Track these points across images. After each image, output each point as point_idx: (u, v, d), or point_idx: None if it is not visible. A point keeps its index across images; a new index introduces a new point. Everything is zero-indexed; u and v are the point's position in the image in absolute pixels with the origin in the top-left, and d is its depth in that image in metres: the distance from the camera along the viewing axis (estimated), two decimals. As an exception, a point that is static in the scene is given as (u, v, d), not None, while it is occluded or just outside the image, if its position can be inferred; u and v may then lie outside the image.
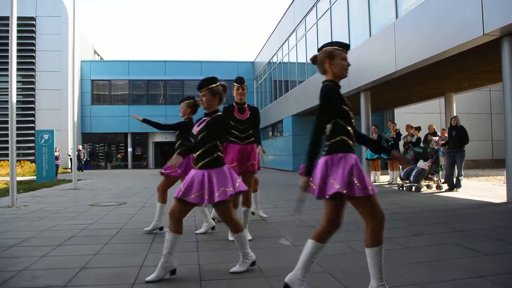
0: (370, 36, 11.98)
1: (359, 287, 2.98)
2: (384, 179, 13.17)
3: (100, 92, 30.43)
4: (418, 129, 11.76)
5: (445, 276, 3.18)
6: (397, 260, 3.64)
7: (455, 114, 12.64)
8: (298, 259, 2.73)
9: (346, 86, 13.32)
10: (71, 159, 20.33)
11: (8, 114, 8.51)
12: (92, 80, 30.40)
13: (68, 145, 25.88)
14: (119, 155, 32.59)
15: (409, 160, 4.77)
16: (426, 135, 11.93)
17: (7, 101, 8.67)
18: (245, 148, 4.57)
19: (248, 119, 4.62)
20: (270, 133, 26.54)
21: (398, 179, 11.10)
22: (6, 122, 10.04)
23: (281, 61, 22.53)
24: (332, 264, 3.56)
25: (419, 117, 19.71)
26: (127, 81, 30.86)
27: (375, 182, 12.48)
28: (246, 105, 4.70)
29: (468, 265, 3.48)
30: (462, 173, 9.75)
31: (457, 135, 9.52)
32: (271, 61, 25.09)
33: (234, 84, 4.65)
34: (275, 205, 7.66)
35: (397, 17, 10.43)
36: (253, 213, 6.08)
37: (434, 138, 11.38)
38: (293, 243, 4.42)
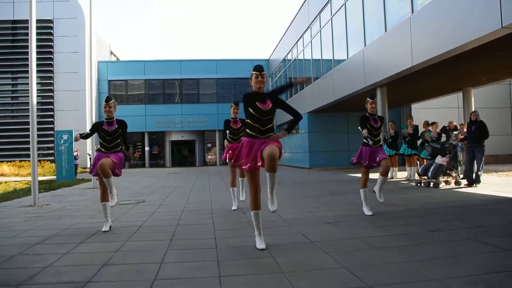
0: (385, 31, 11.88)
1: (376, 281, 3.00)
2: (401, 175, 13.07)
3: (117, 92, 30.80)
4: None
5: (463, 271, 3.17)
6: (414, 256, 3.63)
7: (473, 109, 12.48)
8: (315, 255, 2.75)
9: (361, 82, 13.27)
10: (90, 159, 20.67)
11: (28, 115, 8.70)
12: (109, 81, 30.80)
13: (87, 145, 26.33)
14: (136, 154, 32.94)
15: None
16: (444, 128, 11.79)
17: (27, 102, 8.87)
18: (264, 141, 4.12)
19: (271, 110, 4.18)
20: (286, 131, 26.49)
21: (416, 175, 11.00)
22: (27, 123, 10.26)
23: (296, 58, 22.49)
24: (349, 260, 3.58)
25: (436, 112, 19.47)
26: (143, 81, 31.17)
27: (392, 178, 12.40)
28: (265, 96, 4.25)
29: (486, 260, 3.46)
30: (482, 169, 9.62)
31: (477, 130, 9.39)
32: (286, 58, 25.06)
33: (253, 72, 4.25)
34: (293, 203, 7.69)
35: (412, 12, 10.32)
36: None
37: (455, 132, 11.26)
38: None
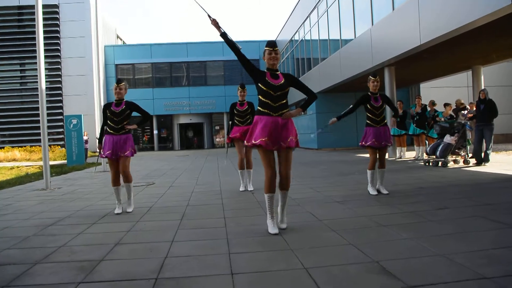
0: (393, 9, 11.72)
1: (382, 257, 3.04)
2: (410, 155, 13.05)
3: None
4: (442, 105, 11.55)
5: (470, 247, 3.21)
6: (421, 233, 3.67)
7: (483, 87, 12.35)
8: (323, 233, 2.80)
9: (369, 61, 13.16)
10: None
11: (37, 100, 8.79)
12: (116, 65, 30.83)
13: (96, 129, 26.56)
14: (145, 138, 33.15)
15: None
16: (455, 109, 11.71)
17: (36, 88, 8.94)
18: (277, 120, 3.91)
19: (283, 85, 3.98)
20: (294, 112, 26.43)
21: (424, 154, 10.98)
22: (36, 108, 10.37)
23: (303, 38, 22.29)
24: (357, 237, 3.63)
25: (445, 91, 19.30)
26: (150, 64, 31.17)
27: (400, 158, 12.39)
28: (279, 72, 4.10)
29: (493, 237, 3.49)
30: (491, 148, 9.56)
31: (486, 109, 9.31)
32: (293, 38, 24.84)
33: (266, 48, 4.11)
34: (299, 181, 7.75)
35: (421, -11, 10.16)
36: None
37: (463, 112, 11.18)
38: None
